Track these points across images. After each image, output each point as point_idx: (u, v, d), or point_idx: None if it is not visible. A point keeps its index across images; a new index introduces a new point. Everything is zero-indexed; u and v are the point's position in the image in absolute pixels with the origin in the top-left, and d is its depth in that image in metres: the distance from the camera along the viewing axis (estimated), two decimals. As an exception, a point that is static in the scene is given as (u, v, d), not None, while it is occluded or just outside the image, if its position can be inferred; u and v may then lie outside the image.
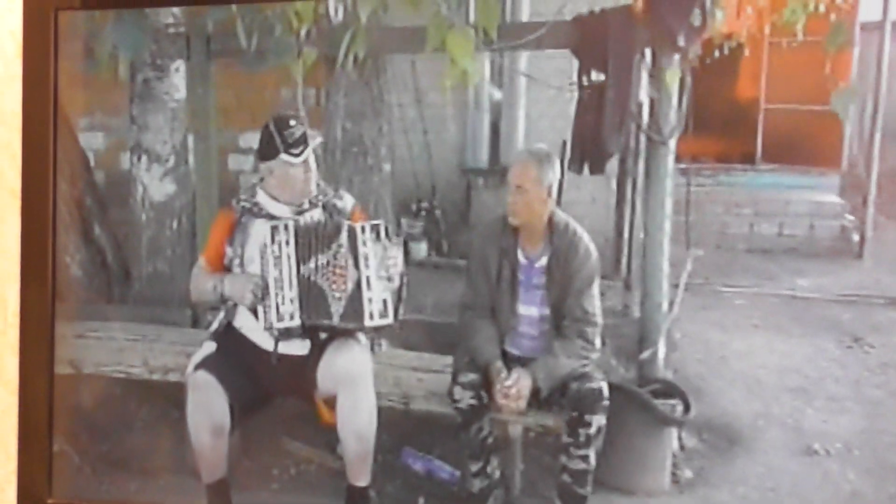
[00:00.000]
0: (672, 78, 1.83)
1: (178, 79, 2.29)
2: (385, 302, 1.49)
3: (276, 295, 1.48)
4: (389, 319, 1.48)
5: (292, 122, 1.54)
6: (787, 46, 2.30)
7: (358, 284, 1.49)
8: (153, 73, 2.25)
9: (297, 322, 1.47)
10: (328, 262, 1.50)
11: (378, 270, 1.49)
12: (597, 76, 1.90)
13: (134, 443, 1.74)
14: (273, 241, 1.49)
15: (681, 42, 1.82)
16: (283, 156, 1.53)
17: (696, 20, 1.79)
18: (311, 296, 1.48)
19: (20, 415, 1.41)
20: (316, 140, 1.56)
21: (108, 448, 1.70)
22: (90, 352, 1.83)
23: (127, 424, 1.75)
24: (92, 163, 2.48)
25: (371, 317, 1.47)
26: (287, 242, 1.49)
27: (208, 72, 2.13)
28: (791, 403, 1.86)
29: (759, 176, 2.59)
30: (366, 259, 1.49)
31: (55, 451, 1.47)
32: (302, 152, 1.52)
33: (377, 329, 1.50)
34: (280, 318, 1.48)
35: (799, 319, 2.15)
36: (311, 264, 1.50)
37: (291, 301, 1.48)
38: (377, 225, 1.51)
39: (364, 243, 1.50)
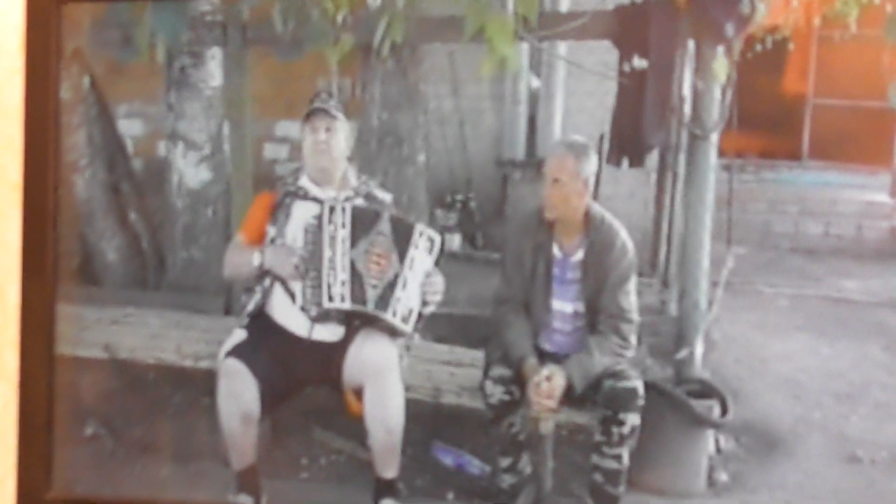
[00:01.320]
0: (720, 69, 1.79)
1: (214, 66, 2.32)
2: (411, 311, 1.49)
3: (329, 275, 1.49)
4: (408, 329, 1.49)
5: (322, 95, 1.57)
6: (838, 39, 2.24)
7: (394, 279, 1.49)
8: (189, 60, 2.28)
9: (347, 304, 1.48)
10: (367, 249, 1.51)
11: (420, 281, 1.50)
12: (638, 67, 1.88)
13: (166, 428, 1.77)
14: (330, 221, 1.50)
15: (728, 32, 1.78)
16: (305, 125, 1.56)
17: (745, 9, 1.75)
18: (354, 280, 1.49)
19: (20, 409, 1.43)
20: (335, 115, 1.56)
21: (140, 433, 1.74)
22: (124, 337, 1.87)
23: (159, 410, 1.79)
24: (131, 150, 2.54)
25: (394, 314, 1.48)
26: (343, 225, 1.51)
27: (244, 60, 2.15)
28: (834, 409, 1.82)
29: (806, 173, 2.53)
30: (412, 262, 1.50)
31: (56, 442, 1.49)
32: (320, 123, 1.54)
33: (395, 331, 1.51)
34: (331, 299, 1.48)
35: (844, 323, 2.11)
36: (358, 249, 1.51)
37: (343, 283, 1.49)
38: (433, 237, 1.52)
39: (416, 247, 1.51)
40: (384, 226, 1.51)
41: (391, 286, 1.49)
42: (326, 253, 1.50)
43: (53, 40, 1.44)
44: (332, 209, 1.51)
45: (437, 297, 1.53)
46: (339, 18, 1.92)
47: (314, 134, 1.55)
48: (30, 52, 1.44)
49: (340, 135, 1.56)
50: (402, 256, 1.50)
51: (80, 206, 2.33)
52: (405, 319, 1.49)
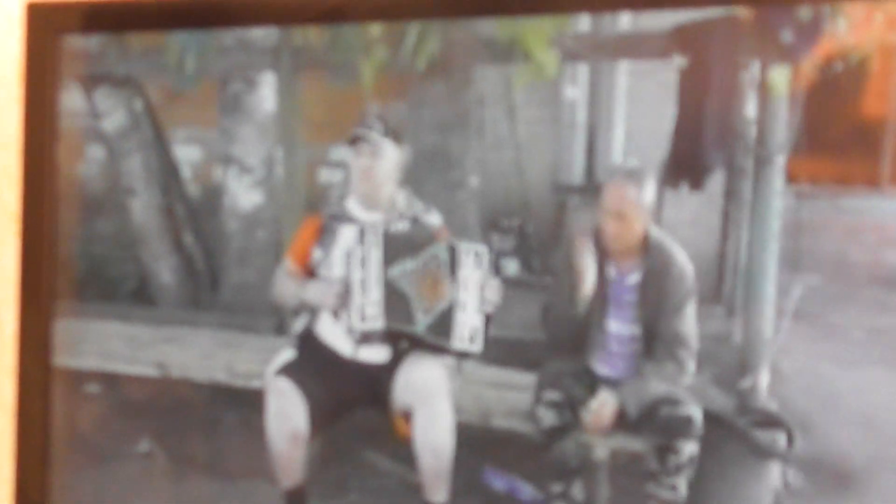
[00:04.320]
0: (780, 82, 1.80)
1: (267, 91, 2.44)
2: (476, 331, 1.54)
3: (361, 297, 1.56)
4: (477, 349, 1.54)
5: (369, 120, 1.65)
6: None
7: (452, 304, 1.55)
8: (242, 85, 2.41)
9: (379, 324, 1.54)
10: (416, 270, 1.57)
11: (477, 298, 1.55)
12: (699, 87, 1.91)
13: (216, 446, 1.85)
14: (362, 242, 1.57)
15: (793, 48, 1.80)
16: (350, 149, 1.64)
17: (814, 25, 1.77)
18: (394, 300, 1.55)
19: (18, 438, 1.48)
20: (378, 141, 1.63)
21: (192, 450, 1.82)
22: (177, 356, 1.96)
23: (211, 428, 1.87)
24: (189, 174, 2.67)
25: (461, 340, 1.53)
26: (374, 245, 1.58)
27: (296, 84, 2.26)
28: (911, 446, 1.79)
29: (885, 200, 2.51)
30: (466, 283, 1.55)
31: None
32: (363, 149, 1.61)
33: (461, 354, 1.56)
34: (363, 319, 1.55)
35: (924, 356, 2.06)
36: (397, 269, 1.57)
37: (376, 304, 1.56)
38: (478, 250, 1.57)
39: (465, 266, 1.56)
40: (440, 251, 1.57)
41: (448, 314, 1.54)
42: (358, 274, 1.56)
43: (51, 71, 1.52)
44: (363, 231, 1.58)
45: (496, 297, 1.57)
46: (373, 30, 1.98)
47: (358, 159, 1.63)
48: (28, 83, 1.52)
49: (386, 160, 1.63)
50: (455, 279, 1.56)
51: (135, 230, 2.47)
52: (472, 340, 1.54)
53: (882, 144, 2.54)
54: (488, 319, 1.57)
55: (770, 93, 1.82)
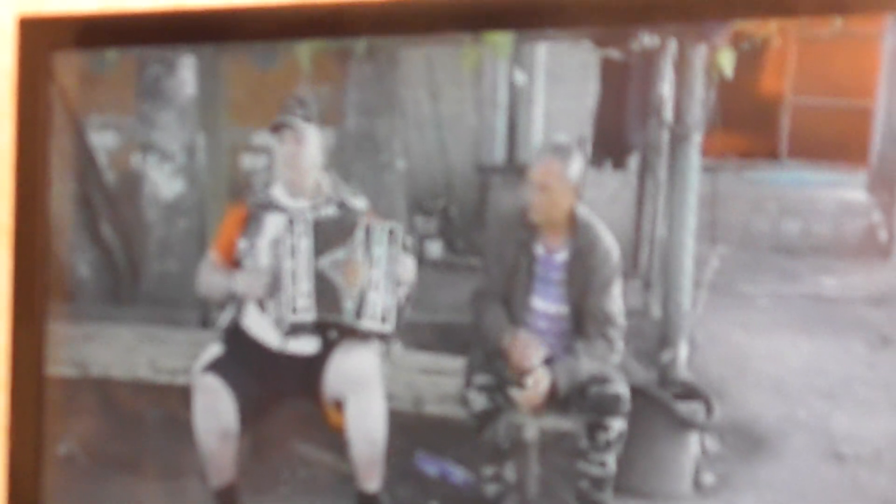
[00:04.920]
0: (726, 62, 1.79)
1: (187, 74, 2.30)
2: (388, 310, 1.49)
3: (292, 288, 1.49)
4: (389, 328, 1.49)
5: (291, 104, 1.57)
6: (817, 38, 2.26)
7: (366, 284, 1.49)
8: (162, 68, 2.27)
9: (311, 316, 1.48)
10: (344, 258, 1.51)
11: (388, 275, 1.50)
12: (620, 67, 1.89)
13: (142, 446, 1.75)
14: (291, 232, 1.50)
15: (711, 29, 1.79)
16: (273, 136, 1.56)
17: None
18: (324, 291, 1.49)
19: (10, 460, 1.42)
20: (301, 126, 1.56)
21: (116, 451, 1.72)
22: (97, 354, 1.85)
23: (135, 427, 1.77)
24: (105, 161, 2.51)
25: (372, 319, 1.47)
26: (304, 234, 1.51)
27: (218, 67, 2.14)
28: (818, 406, 1.84)
29: (784, 172, 2.56)
30: (377, 261, 1.50)
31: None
32: (287, 135, 1.54)
33: (380, 336, 1.51)
34: (294, 311, 1.48)
35: (825, 320, 2.13)
36: (327, 259, 1.51)
37: (307, 295, 1.49)
38: (392, 227, 1.51)
39: (378, 244, 1.50)
40: (359, 234, 1.52)
41: (363, 292, 1.49)
42: (288, 265, 1.49)
43: (43, 87, 1.48)
44: (291, 221, 1.51)
45: (410, 277, 1.52)
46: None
47: (282, 146, 1.56)
48: (20, 99, 1.46)
49: (310, 146, 1.57)
50: (370, 260, 1.50)
51: (49, 221, 2.31)
52: (384, 319, 1.48)
53: (781, 119, 2.58)
54: (406, 300, 1.51)
55: (711, 68, 1.81)
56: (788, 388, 1.93)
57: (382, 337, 1.52)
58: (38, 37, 1.49)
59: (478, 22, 1.62)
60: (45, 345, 1.48)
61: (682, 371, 1.87)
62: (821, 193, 2.39)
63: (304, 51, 1.95)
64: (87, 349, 1.86)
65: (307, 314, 1.48)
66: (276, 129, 1.59)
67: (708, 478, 1.75)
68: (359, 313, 1.48)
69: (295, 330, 1.50)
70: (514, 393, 1.49)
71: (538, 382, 1.48)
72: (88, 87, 2.43)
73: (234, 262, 1.58)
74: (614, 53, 1.89)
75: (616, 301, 1.56)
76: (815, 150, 2.48)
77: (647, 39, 1.85)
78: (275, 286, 1.50)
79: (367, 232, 1.50)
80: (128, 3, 1.57)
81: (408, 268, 1.52)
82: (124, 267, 2.46)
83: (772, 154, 2.59)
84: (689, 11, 1.60)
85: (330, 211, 1.57)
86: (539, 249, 1.58)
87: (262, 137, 2.74)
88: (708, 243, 2.28)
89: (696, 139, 1.91)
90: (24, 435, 1.46)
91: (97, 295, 2.35)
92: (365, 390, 1.51)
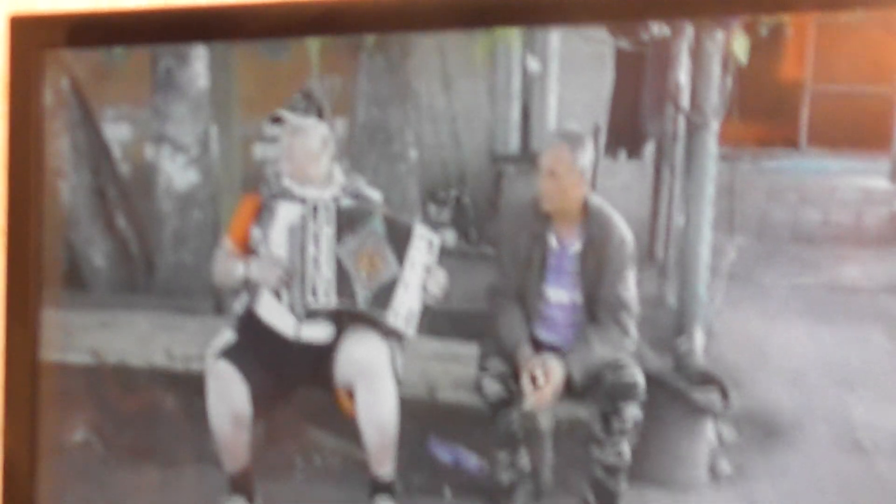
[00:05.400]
0: (740, 50, 1.78)
1: (200, 67, 2.31)
2: (413, 314, 1.50)
3: (314, 274, 1.50)
4: (411, 331, 1.50)
5: (294, 98, 1.58)
6: (836, 24, 2.24)
7: (394, 281, 1.50)
8: (174, 61, 2.28)
9: (332, 301, 1.49)
10: (357, 247, 1.52)
11: (421, 282, 1.51)
12: (636, 55, 1.88)
13: (157, 432, 1.77)
14: (315, 219, 1.51)
15: (727, 15, 1.77)
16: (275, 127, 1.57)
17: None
18: (342, 279, 1.50)
19: (4, 464, 1.43)
20: (298, 120, 1.57)
21: (131, 438, 1.74)
22: (113, 342, 1.86)
23: (151, 414, 1.78)
24: (119, 154, 2.53)
25: (396, 316, 1.48)
26: (326, 223, 1.52)
27: (230, 59, 2.14)
28: (837, 396, 1.82)
29: (804, 161, 2.53)
30: (413, 265, 1.51)
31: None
32: (287, 127, 1.55)
33: (394, 333, 1.51)
34: (315, 297, 1.49)
35: (845, 310, 2.10)
36: (344, 247, 1.52)
37: (328, 282, 1.51)
38: (432, 239, 1.53)
39: (416, 248, 1.51)
40: (376, 225, 1.52)
41: (389, 288, 1.49)
42: (310, 251, 1.50)
43: (35, 86, 1.48)
44: (315, 208, 1.52)
45: (439, 291, 1.53)
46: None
47: (283, 138, 1.56)
48: (12, 98, 1.47)
49: (309, 138, 1.57)
50: (400, 258, 1.51)
51: (65, 212, 2.33)
52: (408, 321, 1.49)
53: (800, 106, 2.55)
54: (426, 310, 1.53)
55: (728, 56, 1.79)
56: (806, 377, 1.91)
57: (400, 337, 1.53)
58: (30, 35, 1.49)
59: (487, 18, 1.62)
60: (40, 340, 1.49)
61: (699, 359, 1.86)
62: (841, 182, 2.36)
63: (314, 42, 1.96)
64: (102, 337, 1.88)
65: (327, 300, 1.50)
66: (275, 122, 1.61)
67: (724, 466, 1.74)
68: (381, 306, 1.48)
69: (310, 316, 1.51)
70: (527, 392, 1.49)
71: (550, 372, 1.48)
72: (103, 81, 2.45)
73: (248, 250, 1.59)
74: (629, 42, 1.88)
75: (630, 288, 1.56)
76: (835, 138, 2.45)
77: (661, 27, 1.84)
78: (291, 273, 1.51)
79: (394, 228, 1.52)
80: (120, 2, 1.57)
81: (440, 283, 1.54)
82: (139, 257, 2.48)
83: (791, 142, 2.56)
84: (701, 7, 1.59)
85: (347, 201, 1.58)
86: (552, 239, 1.58)
87: (273, 128, 2.76)
88: (725, 233, 2.27)
89: (714, 127, 1.89)
90: (19, 425, 1.47)
91: (113, 285, 2.37)
92: (374, 378, 1.51)
